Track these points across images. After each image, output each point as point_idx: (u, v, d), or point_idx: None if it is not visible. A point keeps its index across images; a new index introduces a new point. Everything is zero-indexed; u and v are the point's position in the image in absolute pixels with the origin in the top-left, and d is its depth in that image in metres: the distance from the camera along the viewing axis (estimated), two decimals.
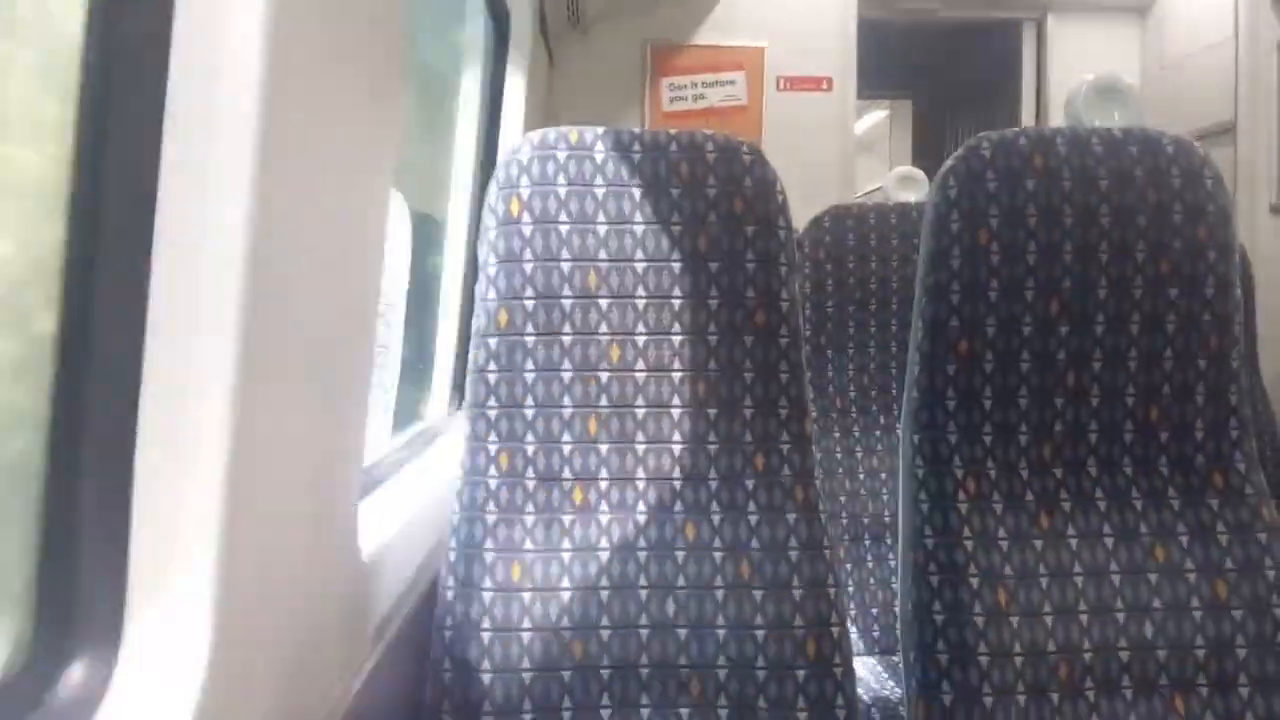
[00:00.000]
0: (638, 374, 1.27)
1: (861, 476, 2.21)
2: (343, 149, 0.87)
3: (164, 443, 0.68)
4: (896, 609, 1.69)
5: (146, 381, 0.68)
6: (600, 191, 1.27)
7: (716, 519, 1.24)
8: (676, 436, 1.26)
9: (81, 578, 0.68)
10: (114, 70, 0.67)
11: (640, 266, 1.27)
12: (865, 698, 1.88)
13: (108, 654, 0.68)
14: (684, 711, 1.17)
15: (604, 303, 1.26)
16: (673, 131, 1.31)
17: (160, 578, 0.69)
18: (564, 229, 1.26)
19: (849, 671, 1.19)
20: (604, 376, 1.26)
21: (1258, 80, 3.30)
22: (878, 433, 2.25)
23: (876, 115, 7.05)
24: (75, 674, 0.67)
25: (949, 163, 1.28)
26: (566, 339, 1.26)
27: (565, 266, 1.26)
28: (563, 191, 1.26)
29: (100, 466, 0.68)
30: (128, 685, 0.68)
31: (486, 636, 1.17)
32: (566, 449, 1.25)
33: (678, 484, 1.25)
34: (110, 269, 0.67)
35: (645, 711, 1.17)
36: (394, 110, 1.03)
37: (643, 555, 1.22)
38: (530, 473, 1.24)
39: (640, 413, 1.26)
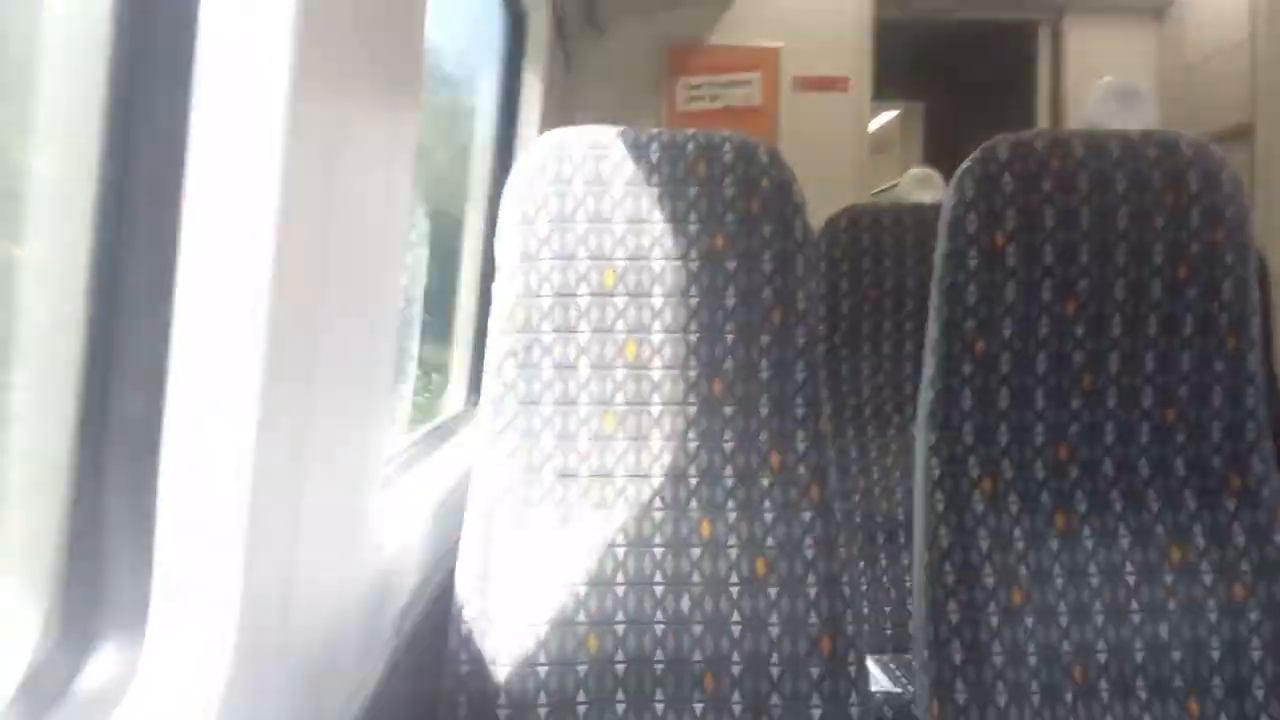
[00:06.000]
0: (654, 372, 1.27)
1: (876, 475, 2.21)
2: (364, 150, 0.88)
3: (190, 435, 0.69)
4: (909, 607, 1.69)
5: (173, 375, 0.69)
6: (617, 191, 1.27)
7: (732, 516, 1.24)
8: (692, 434, 1.27)
9: (109, 566, 0.69)
10: (140, 75, 0.68)
11: (657, 265, 1.28)
12: (878, 696, 1.88)
13: (134, 641, 0.69)
14: (698, 707, 1.18)
15: (621, 301, 1.27)
16: (690, 131, 1.32)
17: (186, 566, 0.70)
18: (581, 228, 1.27)
19: (862, 669, 1.20)
20: (620, 374, 1.27)
21: (1275, 82, 3.29)
22: (892, 432, 2.25)
23: (887, 115, 7.02)
24: (101, 660, 0.68)
25: (966, 164, 1.28)
26: (583, 336, 1.26)
27: (582, 265, 1.27)
28: (580, 190, 1.27)
29: (128, 457, 0.69)
30: (153, 671, 0.69)
31: (502, 630, 1.17)
32: (583, 445, 1.25)
33: (693, 481, 1.26)
34: (138, 267, 0.68)
35: (659, 706, 1.18)
36: (413, 112, 1.03)
37: (658, 551, 1.22)
38: (547, 468, 1.24)
39: (656, 410, 1.27)
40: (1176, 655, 1.20)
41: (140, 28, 0.68)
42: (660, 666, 1.19)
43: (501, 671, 1.16)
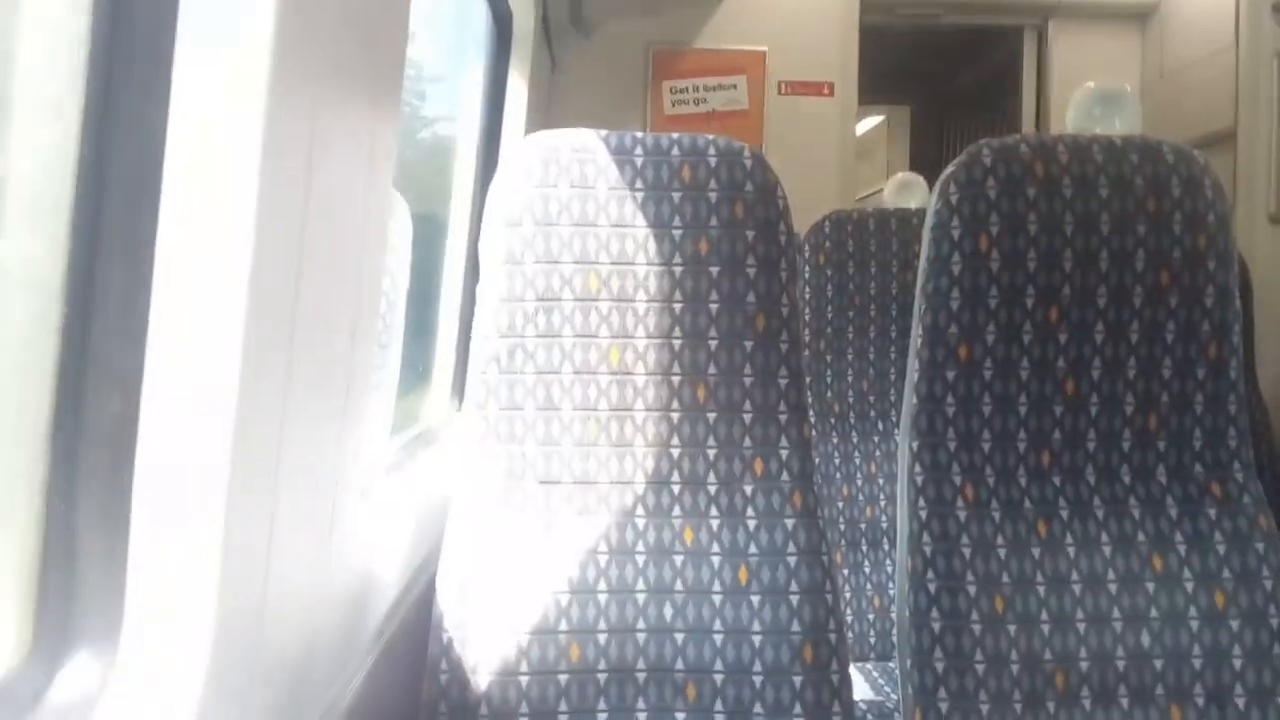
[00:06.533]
0: (637, 377, 1.26)
1: (859, 482, 2.21)
2: (344, 150, 0.87)
3: (165, 441, 0.68)
4: (893, 615, 1.69)
5: (149, 379, 0.68)
6: (602, 194, 1.27)
7: (715, 523, 1.24)
8: (676, 440, 1.26)
9: (82, 574, 0.68)
10: (118, 72, 0.67)
11: (641, 270, 1.27)
12: (861, 704, 1.88)
13: (106, 652, 0.68)
14: (680, 716, 1.17)
15: (605, 305, 1.26)
16: (675, 135, 1.31)
17: (160, 575, 0.69)
18: (565, 231, 1.26)
19: (845, 677, 1.19)
20: (604, 379, 1.26)
21: (1258, 88, 3.30)
22: (876, 439, 2.26)
23: (872, 120, 7.05)
24: (74, 670, 0.67)
25: (950, 169, 1.28)
26: (567, 341, 1.26)
27: (566, 269, 1.26)
28: (564, 194, 1.26)
29: (102, 464, 0.68)
30: (126, 682, 0.68)
31: (484, 638, 1.16)
32: (566, 451, 1.25)
33: (676, 488, 1.25)
34: (113, 271, 0.67)
35: (642, 715, 1.17)
36: (395, 111, 1.03)
37: (641, 559, 1.22)
38: (530, 475, 1.24)
39: (640, 416, 1.26)
40: (1158, 663, 1.20)
41: (118, 24, 0.67)
42: (642, 675, 1.18)
43: (482, 680, 1.15)
